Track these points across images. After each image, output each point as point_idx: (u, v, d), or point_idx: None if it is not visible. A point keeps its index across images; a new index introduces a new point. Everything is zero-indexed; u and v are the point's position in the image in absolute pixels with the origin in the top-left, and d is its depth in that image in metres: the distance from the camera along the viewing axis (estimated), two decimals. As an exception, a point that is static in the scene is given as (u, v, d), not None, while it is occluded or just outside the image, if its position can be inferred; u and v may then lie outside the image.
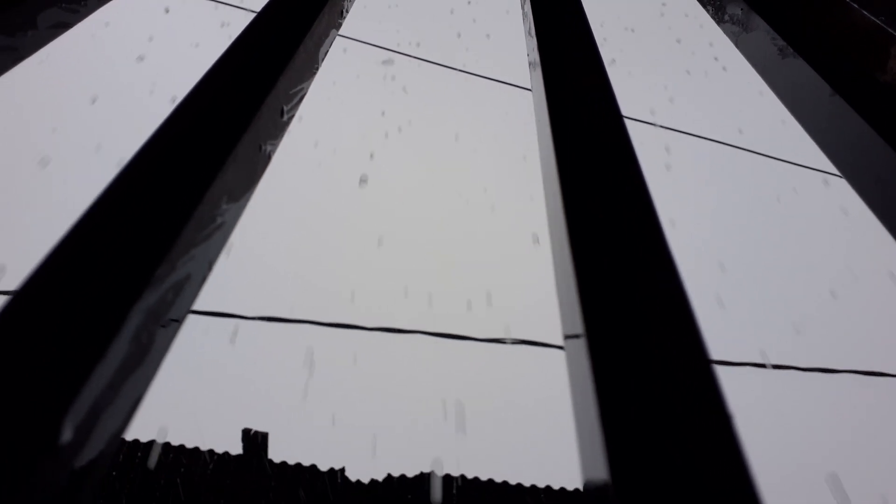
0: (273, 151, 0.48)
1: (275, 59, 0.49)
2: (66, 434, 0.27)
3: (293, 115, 0.52)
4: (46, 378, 0.27)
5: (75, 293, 0.30)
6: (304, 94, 0.55)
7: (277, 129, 0.49)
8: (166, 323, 0.35)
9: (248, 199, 0.43)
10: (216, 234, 0.39)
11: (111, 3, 0.60)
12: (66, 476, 0.28)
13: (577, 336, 0.36)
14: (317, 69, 0.59)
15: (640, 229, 0.41)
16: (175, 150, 0.39)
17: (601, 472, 0.28)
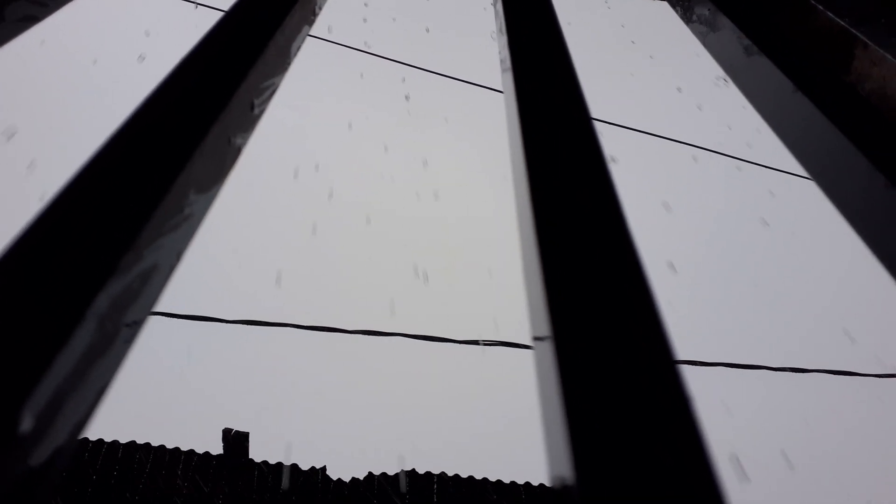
0: (243, 145, 0.48)
1: (245, 54, 0.49)
2: (25, 426, 0.27)
3: (264, 110, 0.52)
4: (5, 366, 0.27)
5: (37, 281, 0.30)
6: (276, 88, 0.55)
7: (248, 122, 0.49)
8: (133, 312, 0.35)
9: (217, 192, 0.44)
10: (184, 224, 0.39)
11: (81, -4, 0.60)
12: (24, 470, 0.28)
13: (543, 338, 0.36)
14: (288, 65, 0.59)
15: (608, 232, 0.42)
16: (143, 140, 0.39)
17: (566, 470, 0.29)
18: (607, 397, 0.31)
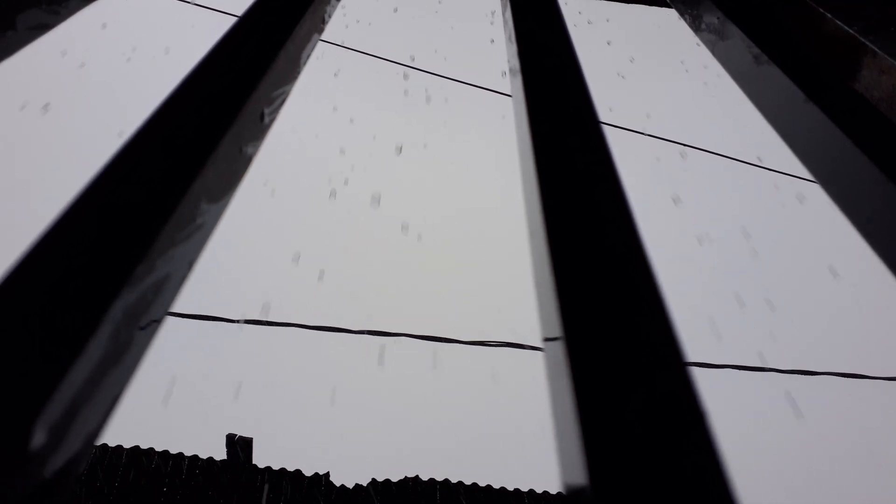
0: (254, 154, 0.48)
1: (256, 63, 0.50)
2: (39, 436, 0.27)
3: (274, 119, 0.52)
4: (21, 377, 0.27)
5: (52, 292, 0.31)
6: (286, 97, 0.55)
7: (258, 131, 0.49)
8: (146, 322, 0.35)
9: (228, 201, 0.44)
10: (196, 234, 0.39)
11: (94, 4, 0.60)
12: (38, 481, 0.28)
13: (555, 339, 0.36)
14: (298, 73, 0.59)
15: (617, 234, 0.42)
16: (155, 150, 0.39)
17: (579, 476, 0.29)
18: (620, 399, 0.31)
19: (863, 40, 0.63)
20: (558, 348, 0.35)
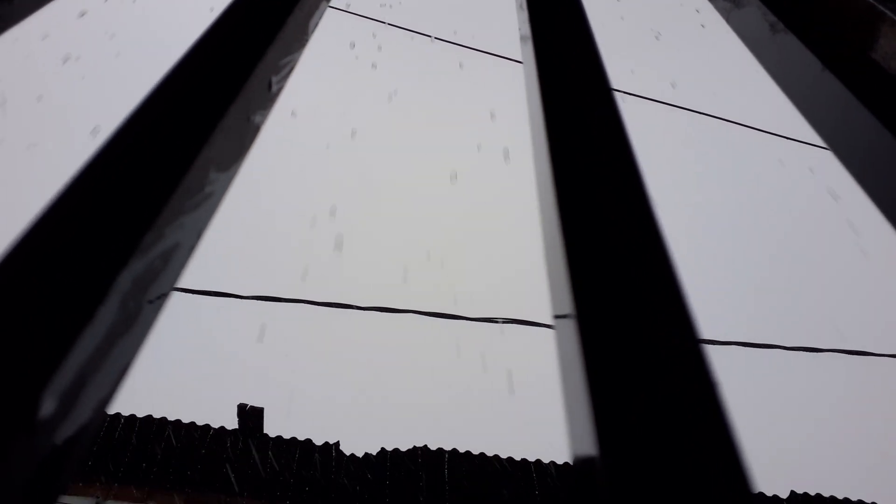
0: (262, 123, 0.48)
1: (263, 30, 0.49)
2: (49, 405, 0.27)
3: (282, 87, 0.52)
4: (30, 345, 0.28)
5: (61, 260, 0.30)
6: (294, 65, 0.54)
7: (266, 100, 0.49)
8: (155, 294, 0.35)
9: (237, 170, 0.44)
10: (205, 203, 0.39)
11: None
12: (49, 448, 0.28)
13: (566, 316, 0.36)
14: (306, 41, 0.59)
15: (630, 207, 0.42)
16: (162, 119, 0.39)
17: (589, 448, 0.29)
18: (631, 375, 0.31)
19: (882, 9, 0.61)
20: (569, 325, 0.34)
